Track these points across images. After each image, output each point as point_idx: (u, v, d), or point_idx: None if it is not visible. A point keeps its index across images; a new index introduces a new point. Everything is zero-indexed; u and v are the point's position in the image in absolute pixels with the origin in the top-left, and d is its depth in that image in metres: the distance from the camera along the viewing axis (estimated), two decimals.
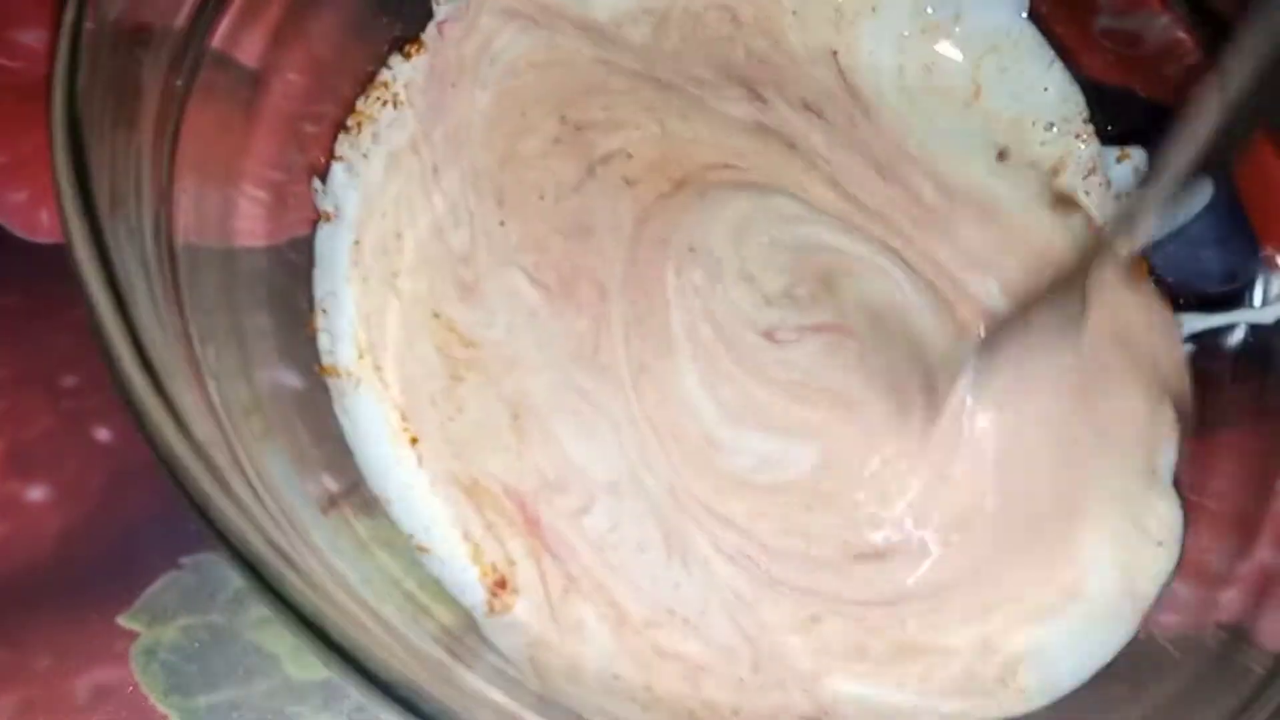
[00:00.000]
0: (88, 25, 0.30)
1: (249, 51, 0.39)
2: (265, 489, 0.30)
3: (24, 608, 0.37)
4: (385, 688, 0.24)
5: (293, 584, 0.25)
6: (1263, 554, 0.37)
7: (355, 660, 0.24)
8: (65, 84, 0.29)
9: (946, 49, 0.46)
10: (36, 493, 0.38)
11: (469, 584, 0.35)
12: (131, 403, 0.26)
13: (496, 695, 0.31)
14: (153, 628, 0.37)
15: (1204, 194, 0.43)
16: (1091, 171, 0.45)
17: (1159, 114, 0.45)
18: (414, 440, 0.37)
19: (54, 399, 0.39)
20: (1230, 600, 0.37)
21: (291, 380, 0.36)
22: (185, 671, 0.37)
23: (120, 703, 0.36)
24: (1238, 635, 0.35)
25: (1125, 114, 0.46)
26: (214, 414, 0.30)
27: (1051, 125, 0.46)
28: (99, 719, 0.36)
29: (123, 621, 0.37)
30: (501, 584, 0.36)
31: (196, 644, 0.37)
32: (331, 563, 0.29)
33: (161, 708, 0.36)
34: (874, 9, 0.46)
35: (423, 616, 0.32)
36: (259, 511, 0.27)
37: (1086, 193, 0.45)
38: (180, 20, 0.35)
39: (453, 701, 0.25)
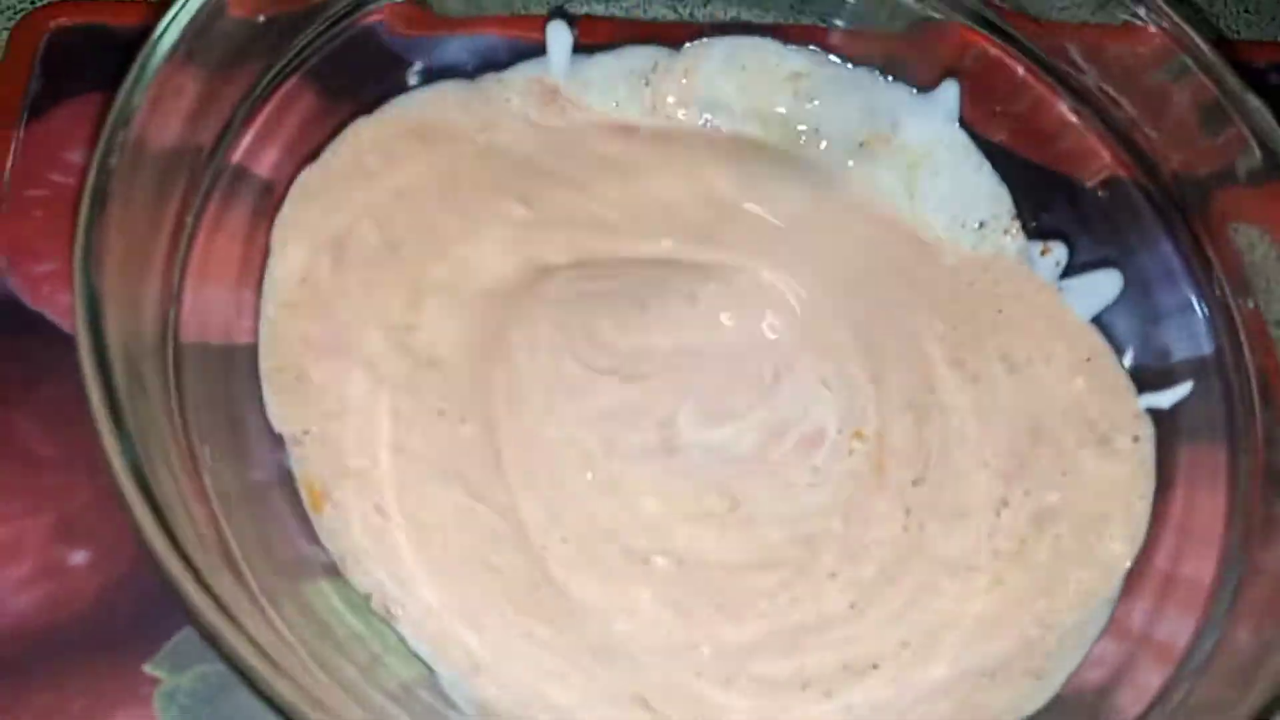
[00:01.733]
0: (117, 148, 0.34)
1: (264, 164, 0.43)
2: (248, 566, 0.34)
3: (64, 656, 0.40)
4: None
5: (261, 673, 0.28)
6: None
7: None
8: (89, 209, 0.34)
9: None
10: (78, 556, 0.42)
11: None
12: (126, 511, 0.30)
13: None
14: (173, 675, 0.40)
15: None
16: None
17: (1082, 207, 0.47)
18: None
19: (95, 475, 0.43)
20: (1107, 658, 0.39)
21: (280, 465, 0.40)
22: (200, 713, 0.40)
23: None
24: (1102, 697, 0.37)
25: (1049, 208, 0.48)
26: (207, 503, 0.34)
27: (983, 223, 0.48)
28: None
29: (147, 669, 0.40)
30: None
31: (210, 689, 0.40)
32: (303, 631, 0.33)
33: None
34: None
35: (385, 674, 0.36)
36: (236, 596, 0.30)
37: None
38: (205, 138, 0.40)
39: None
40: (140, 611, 0.41)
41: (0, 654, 0.40)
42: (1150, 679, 0.37)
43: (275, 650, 0.29)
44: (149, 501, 0.30)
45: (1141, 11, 0.43)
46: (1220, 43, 0.43)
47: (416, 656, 0.38)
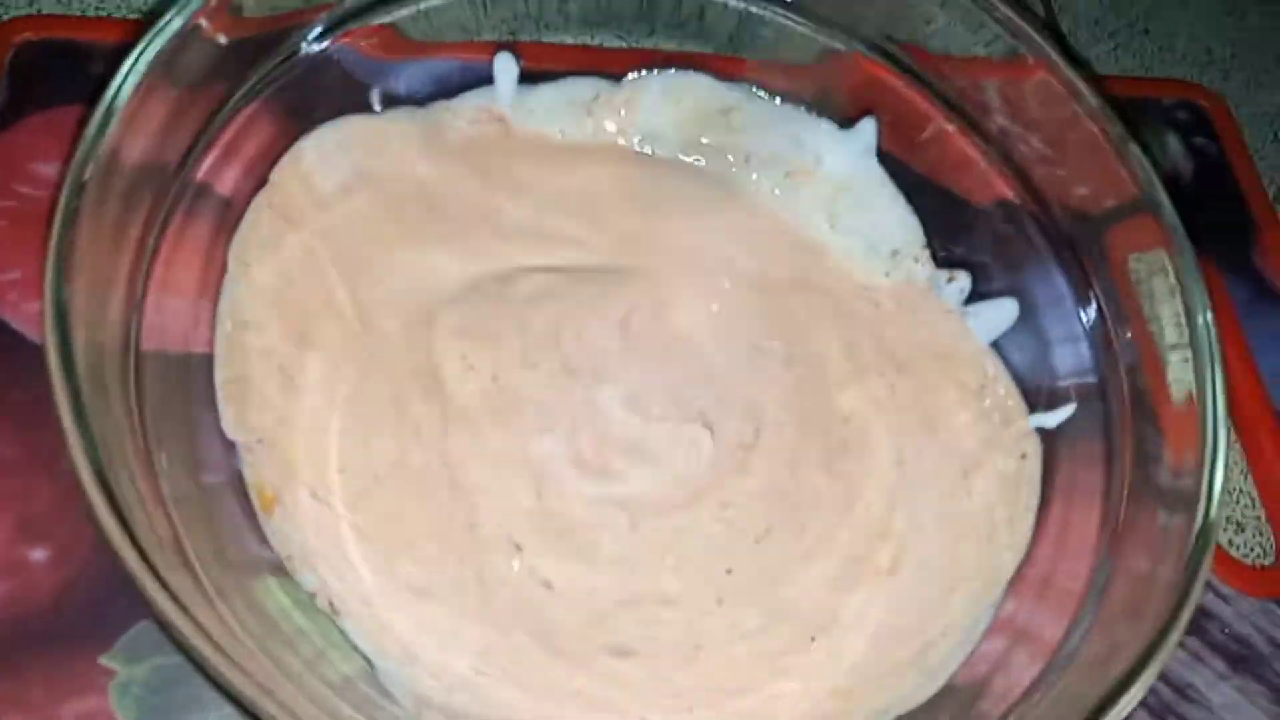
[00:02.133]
0: (90, 164, 0.36)
1: (226, 182, 0.45)
2: (200, 564, 0.36)
3: (23, 648, 0.43)
4: None
5: (214, 661, 0.31)
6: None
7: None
8: (61, 225, 0.36)
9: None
10: (38, 554, 0.44)
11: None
12: (88, 511, 0.32)
13: None
14: (128, 666, 0.43)
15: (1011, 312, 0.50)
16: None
17: (985, 237, 0.51)
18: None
19: (55, 477, 0.45)
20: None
21: (232, 469, 0.42)
22: (153, 704, 0.42)
23: None
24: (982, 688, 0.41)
25: (957, 238, 0.52)
26: (162, 505, 0.36)
27: (895, 252, 0.52)
28: None
29: (104, 661, 0.43)
30: None
31: (163, 681, 0.43)
32: (252, 625, 0.36)
33: None
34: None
35: (327, 667, 0.38)
36: (189, 591, 0.33)
37: None
38: (171, 157, 0.42)
39: None
40: (97, 607, 0.44)
41: None
42: (1024, 672, 0.40)
43: (227, 642, 0.32)
44: (110, 502, 0.32)
45: (1024, 51, 0.46)
46: (1098, 80, 0.46)
47: (357, 651, 0.40)
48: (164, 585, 0.31)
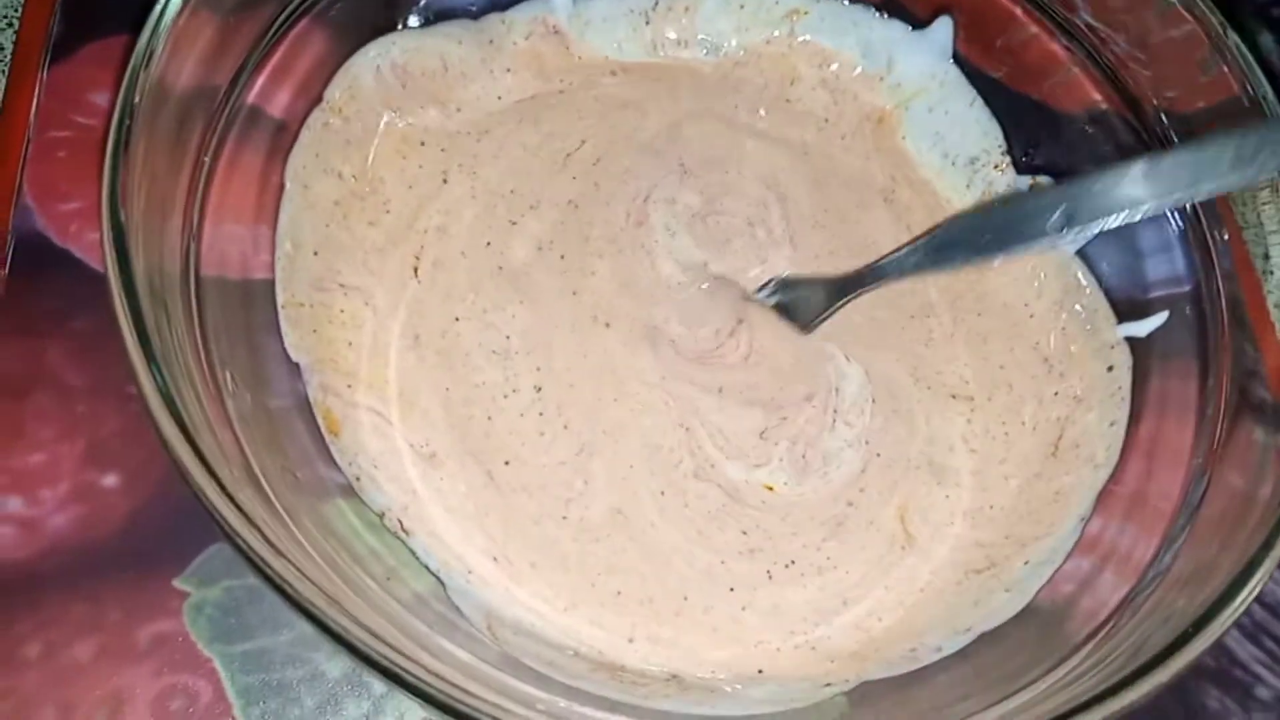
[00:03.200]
0: (140, 88, 0.36)
1: (277, 104, 0.45)
2: (269, 485, 0.36)
3: (99, 572, 0.43)
4: (366, 659, 0.30)
5: (289, 582, 0.30)
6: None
7: (342, 638, 0.30)
8: (114, 147, 0.35)
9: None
10: (110, 479, 0.45)
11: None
12: (156, 432, 0.32)
13: (463, 655, 0.36)
14: (200, 589, 0.43)
15: None
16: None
17: (1070, 142, 0.49)
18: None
19: (123, 404, 0.46)
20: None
21: (298, 392, 0.42)
22: (226, 624, 0.43)
23: (174, 648, 0.42)
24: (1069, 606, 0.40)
25: (1039, 144, 0.49)
26: (230, 427, 0.36)
27: (974, 160, 0.50)
28: (157, 661, 0.42)
29: (177, 584, 0.43)
30: None
31: (235, 602, 0.43)
32: (323, 546, 0.35)
33: (207, 653, 0.42)
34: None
35: (399, 586, 0.38)
36: (260, 511, 0.32)
37: None
38: (221, 79, 0.41)
39: (423, 661, 0.31)
40: (169, 531, 0.44)
41: (41, 569, 0.43)
42: (1112, 592, 0.39)
43: (299, 558, 0.31)
44: (178, 423, 0.32)
45: None
46: None
47: (427, 569, 0.40)
48: (233, 502, 0.31)
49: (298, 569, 0.31)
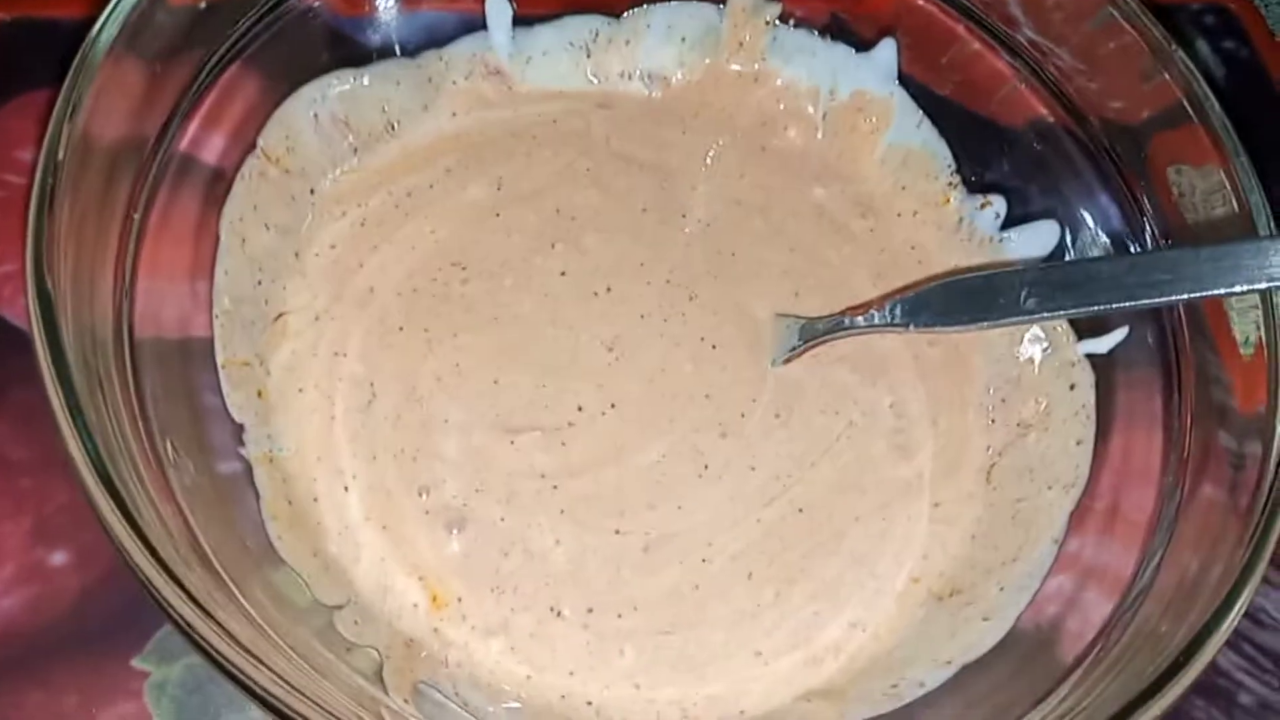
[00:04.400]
0: (64, 143, 0.33)
1: (211, 151, 0.42)
2: (217, 559, 0.33)
3: (52, 655, 0.40)
4: None
5: (240, 669, 0.29)
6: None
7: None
8: (37, 207, 0.33)
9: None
10: (58, 557, 0.42)
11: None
12: (95, 512, 0.30)
13: None
14: (161, 667, 0.41)
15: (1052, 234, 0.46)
16: (960, 219, 0.48)
17: (1019, 158, 0.48)
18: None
19: (69, 476, 0.42)
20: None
21: (241, 457, 0.40)
22: (190, 704, 0.40)
23: None
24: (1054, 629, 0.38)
25: (988, 162, 0.48)
26: (173, 500, 0.34)
27: (925, 180, 0.48)
28: None
29: (136, 663, 0.41)
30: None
31: (198, 680, 0.40)
32: (276, 619, 0.33)
33: None
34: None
35: (360, 657, 0.36)
36: (207, 590, 0.30)
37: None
38: (150, 129, 0.39)
39: None
40: (124, 608, 0.41)
41: None
42: (1097, 610, 0.38)
43: (250, 640, 0.29)
44: (115, 500, 0.30)
45: None
46: None
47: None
48: (178, 585, 0.29)
49: (249, 652, 0.29)
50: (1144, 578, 0.37)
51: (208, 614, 0.29)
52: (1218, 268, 0.35)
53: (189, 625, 0.29)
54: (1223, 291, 0.35)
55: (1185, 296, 0.35)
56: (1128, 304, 0.37)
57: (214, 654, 0.29)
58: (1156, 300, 0.36)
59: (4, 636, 0.41)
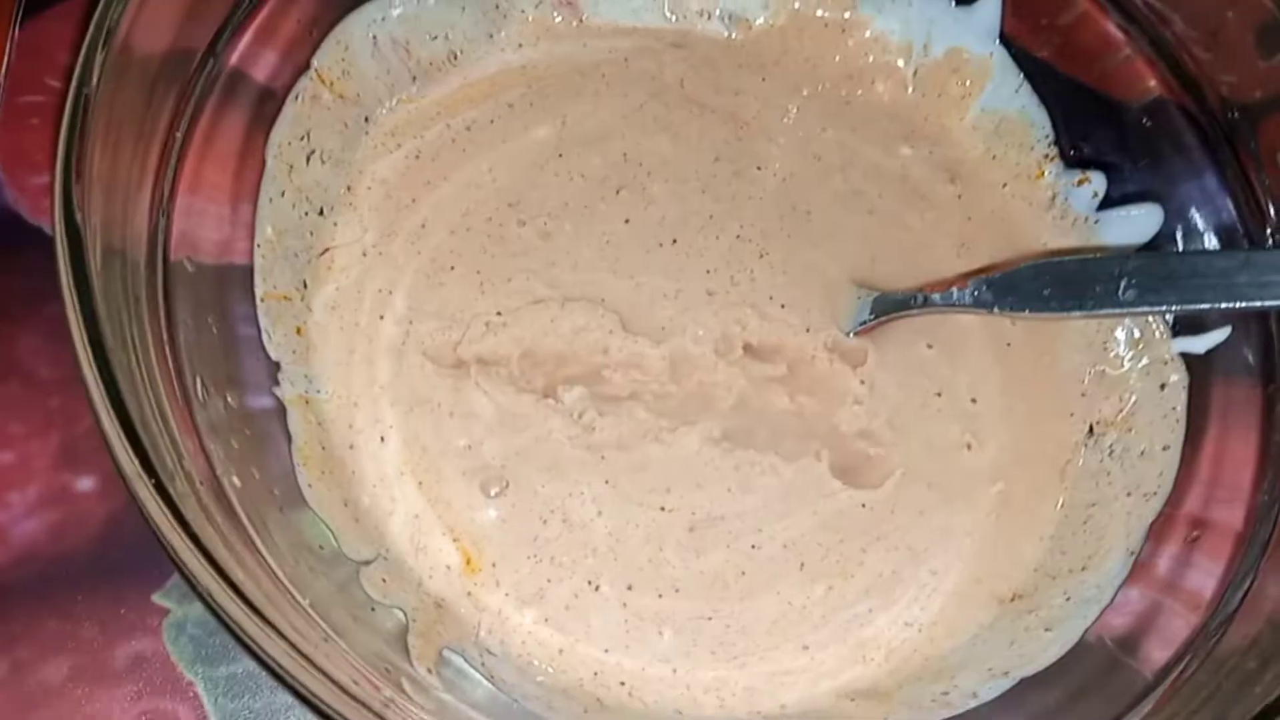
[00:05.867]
0: (101, 51, 0.30)
1: (262, 68, 0.39)
2: (239, 497, 0.31)
3: (73, 584, 0.39)
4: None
5: (256, 642, 0.26)
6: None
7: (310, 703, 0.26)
8: (70, 119, 0.30)
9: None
10: (85, 483, 0.40)
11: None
12: (105, 443, 0.27)
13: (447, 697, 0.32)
14: (182, 605, 0.38)
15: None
16: (1053, 195, 0.43)
17: (1124, 133, 0.43)
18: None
19: None
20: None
21: (276, 395, 0.37)
22: (209, 644, 0.38)
23: (154, 670, 0.38)
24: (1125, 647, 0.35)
25: (1090, 134, 0.43)
26: (197, 436, 0.31)
27: (1020, 151, 0.44)
28: (135, 684, 0.38)
29: (157, 599, 0.39)
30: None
31: None
32: (296, 573, 0.31)
33: (189, 676, 0.38)
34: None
35: (384, 615, 0.33)
36: (224, 549, 0.27)
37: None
38: (197, 42, 0.35)
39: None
40: (149, 540, 0.36)
41: (9, 581, 0.38)
42: (1177, 629, 0.34)
43: (266, 608, 0.26)
44: (128, 434, 0.27)
45: None
46: None
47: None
48: (191, 537, 0.26)
49: (260, 615, 0.26)
50: (1230, 602, 0.34)
51: (220, 571, 0.26)
52: None
53: (196, 579, 0.26)
54: None
55: None
56: (1237, 305, 0.33)
57: (223, 616, 0.26)
58: (1269, 304, 0.33)
59: (23, 560, 0.39)
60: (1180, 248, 0.40)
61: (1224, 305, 0.34)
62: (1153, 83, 0.41)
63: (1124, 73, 0.42)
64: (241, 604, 0.26)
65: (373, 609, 0.34)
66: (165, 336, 0.32)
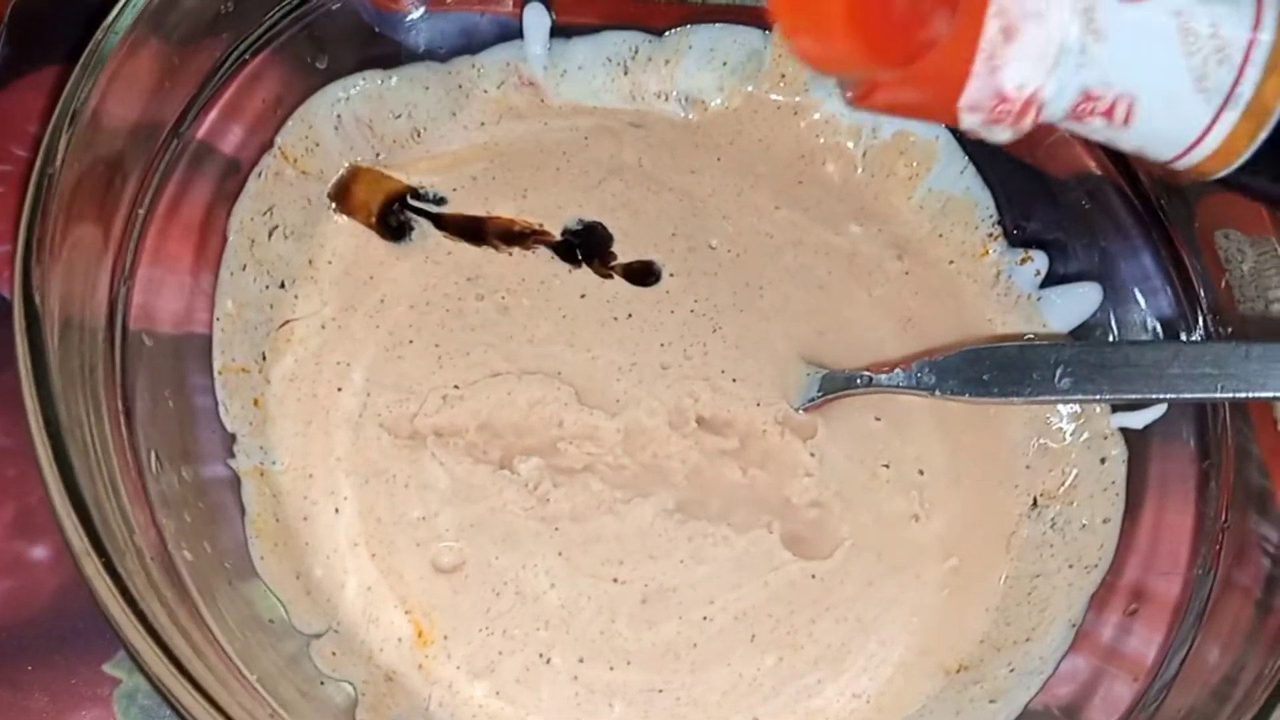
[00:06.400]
0: (79, 122, 0.31)
1: (229, 142, 0.39)
2: (188, 569, 0.31)
3: (23, 653, 0.38)
4: None
5: (195, 712, 0.26)
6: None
7: None
8: (35, 188, 0.30)
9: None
10: (39, 551, 0.39)
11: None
12: (53, 515, 0.27)
13: None
14: (133, 675, 0.38)
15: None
16: (998, 273, 0.44)
17: (1064, 213, 0.44)
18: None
19: None
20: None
21: (230, 467, 0.37)
22: (160, 715, 0.37)
23: None
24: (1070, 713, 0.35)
25: (1032, 214, 0.45)
26: (149, 508, 0.31)
27: (965, 227, 0.45)
28: None
29: (107, 669, 0.38)
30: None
31: None
32: (244, 646, 0.30)
33: None
34: None
35: (333, 689, 0.33)
36: (168, 620, 0.27)
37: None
38: (166, 115, 0.36)
39: None
40: (100, 610, 0.38)
41: None
42: (1119, 696, 0.35)
43: (211, 686, 0.26)
44: (78, 509, 0.27)
45: None
46: None
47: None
48: (137, 615, 0.26)
49: (204, 694, 0.26)
50: (1169, 668, 0.34)
51: (166, 651, 0.26)
52: (1269, 369, 0.31)
53: (142, 659, 0.26)
54: (1270, 395, 0.32)
55: (1230, 396, 0.32)
56: (1168, 395, 0.34)
57: (169, 696, 0.26)
58: (1199, 396, 0.33)
59: None
60: (1119, 326, 0.41)
61: (1155, 396, 0.34)
62: (1092, 164, 0.43)
63: (1064, 154, 0.44)
64: (187, 684, 0.26)
65: (322, 683, 0.34)
66: (121, 409, 0.32)
